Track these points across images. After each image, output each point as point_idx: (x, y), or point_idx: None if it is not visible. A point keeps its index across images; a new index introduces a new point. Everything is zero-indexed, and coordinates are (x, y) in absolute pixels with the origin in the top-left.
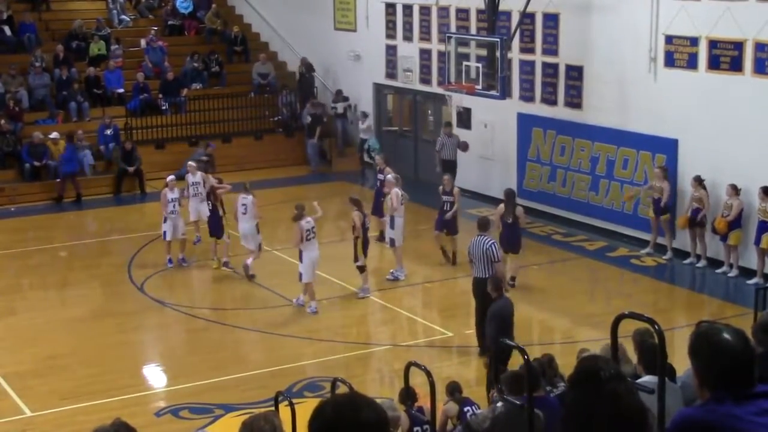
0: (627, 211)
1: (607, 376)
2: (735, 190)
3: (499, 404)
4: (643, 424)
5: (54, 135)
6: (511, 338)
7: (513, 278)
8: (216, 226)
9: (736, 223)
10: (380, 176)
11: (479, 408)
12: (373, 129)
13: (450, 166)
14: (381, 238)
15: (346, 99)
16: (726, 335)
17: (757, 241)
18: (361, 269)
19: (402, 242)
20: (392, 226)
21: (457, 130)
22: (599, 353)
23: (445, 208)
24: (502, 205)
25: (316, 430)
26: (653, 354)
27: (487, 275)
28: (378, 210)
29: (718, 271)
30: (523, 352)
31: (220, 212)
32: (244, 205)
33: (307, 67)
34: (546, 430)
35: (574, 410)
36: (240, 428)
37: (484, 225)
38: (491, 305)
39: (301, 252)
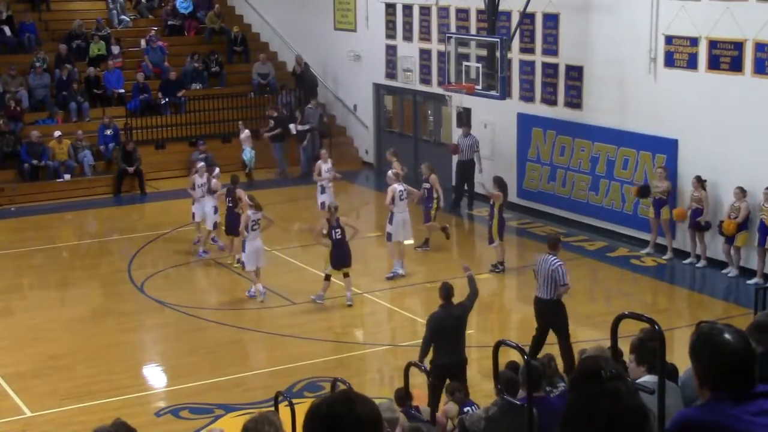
0: (627, 211)
1: (607, 375)
2: (743, 192)
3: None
4: (644, 424)
5: (57, 134)
6: (448, 350)
7: (502, 263)
8: (234, 224)
9: (743, 224)
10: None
11: (479, 408)
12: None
13: (466, 167)
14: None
15: (305, 121)
16: (727, 335)
17: (762, 242)
18: (327, 277)
19: (400, 238)
20: (390, 221)
21: (457, 131)
22: (594, 352)
23: (424, 195)
24: (499, 194)
25: (313, 428)
26: (652, 355)
27: (550, 296)
28: None
29: (724, 271)
30: (522, 352)
31: (239, 211)
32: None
33: (305, 65)
34: (544, 430)
35: (574, 410)
36: (242, 430)
37: (554, 244)
38: (435, 313)
39: (244, 242)
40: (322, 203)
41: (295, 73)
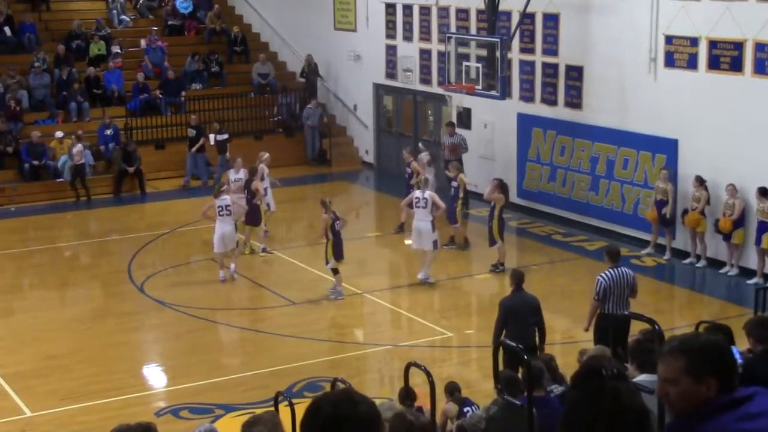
0: (627, 211)
1: (609, 374)
2: (735, 189)
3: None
4: (645, 424)
5: (59, 134)
6: (517, 335)
7: (503, 263)
8: (254, 215)
9: (740, 221)
10: (408, 169)
11: (479, 408)
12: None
13: None
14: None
15: (222, 131)
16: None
17: (758, 242)
18: (335, 271)
19: (416, 246)
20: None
21: (457, 131)
22: (595, 353)
23: (451, 194)
24: (500, 196)
25: (315, 428)
26: (645, 353)
27: (623, 310)
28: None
29: (722, 271)
30: (522, 352)
31: (257, 202)
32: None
33: (315, 66)
34: (544, 430)
35: (575, 408)
36: (246, 427)
37: (617, 256)
38: (506, 297)
39: (215, 226)
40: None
41: (304, 73)
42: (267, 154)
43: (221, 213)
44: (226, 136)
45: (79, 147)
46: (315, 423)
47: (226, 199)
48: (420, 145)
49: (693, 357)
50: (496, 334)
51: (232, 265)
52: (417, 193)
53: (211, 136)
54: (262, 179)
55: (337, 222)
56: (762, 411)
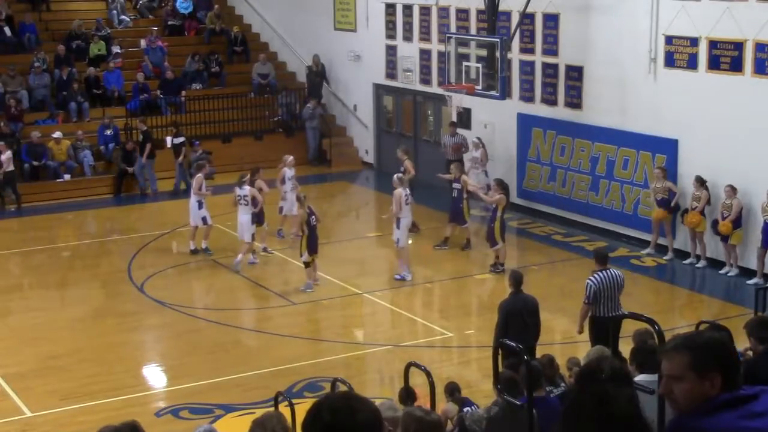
0: (627, 211)
1: (606, 375)
2: (733, 190)
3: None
4: (641, 425)
5: (57, 134)
6: (517, 337)
7: (503, 263)
8: (258, 214)
9: (737, 222)
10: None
11: (478, 408)
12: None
13: None
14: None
15: (179, 134)
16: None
17: (765, 244)
18: (306, 264)
19: (406, 243)
20: (398, 226)
21: (458, 131)
22: (594, 354)
23: (454, 195)
24: (501, 197)
25: None
26: (646, 353)
27: (616, 312)
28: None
29: (721, 272)
30: (522, 352)
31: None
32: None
33: (320, 68)
34: (544, 430)
35: (569, 406)
36: (251, 427)
37: (606, 258)
38: (505, 300)
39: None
40: (203, 218)
41: (312, 73)
42: (291, 157)
43: (240, 202)
44: (182, 139)
45: (8, 154)
46: (314, 430)
47: (245, 189)
48: (475, 139)
49: (697, 353)
50: (497, 338)
51: (239, 257)
52: (404, 191)
53: (168, 139)
54: (283, 182)
55: (312, 217)
56: (766, 410)
